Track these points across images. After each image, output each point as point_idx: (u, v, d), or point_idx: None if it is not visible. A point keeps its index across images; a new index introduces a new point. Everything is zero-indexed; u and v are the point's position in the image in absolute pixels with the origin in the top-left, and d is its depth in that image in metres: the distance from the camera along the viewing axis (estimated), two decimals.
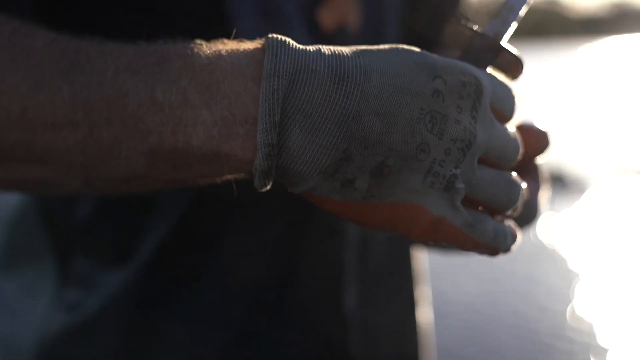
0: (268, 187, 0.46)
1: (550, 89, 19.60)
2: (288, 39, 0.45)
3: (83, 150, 0.45)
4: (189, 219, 0.70)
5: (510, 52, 0.49)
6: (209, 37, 0.50)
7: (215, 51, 0.45)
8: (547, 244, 5.18)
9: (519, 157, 0.51)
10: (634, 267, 4.63)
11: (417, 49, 0.46)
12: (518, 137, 0.51)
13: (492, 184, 0.48)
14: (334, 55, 0.44)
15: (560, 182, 7.12)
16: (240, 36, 0.50)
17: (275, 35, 0.45)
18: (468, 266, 4.59)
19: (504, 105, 0.49)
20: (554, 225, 5.63)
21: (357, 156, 0.43)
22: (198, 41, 0.47)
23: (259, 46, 0.46)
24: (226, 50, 0.46)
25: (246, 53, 0.45)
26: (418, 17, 0.86)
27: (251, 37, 0.50)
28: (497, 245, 0.49)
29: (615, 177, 7.49)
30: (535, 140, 0.56)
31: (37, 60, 0.44)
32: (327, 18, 0.71)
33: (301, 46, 0.45)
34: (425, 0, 0.88)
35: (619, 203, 6.37)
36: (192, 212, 0.70)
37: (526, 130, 0.56)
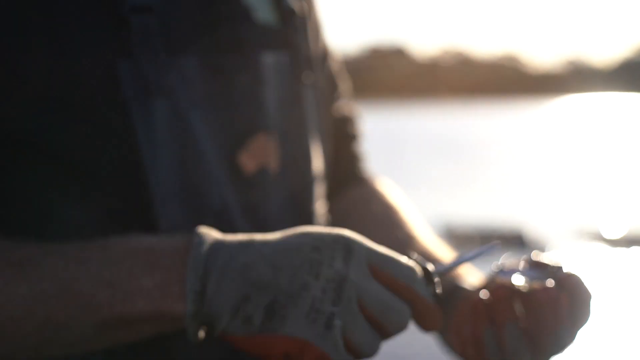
0: (199, 337, 0.59)
1: (511, 148, 20.15)
2: (209, 233, 0.61)
3: (40, 332, 0.58)
4: None
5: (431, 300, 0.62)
6: (122, 186, 0.66)
7: (152, 239, 0.61)
8: None
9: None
10: (594, 328, 4.82)
11: (314, 228, 0.61)
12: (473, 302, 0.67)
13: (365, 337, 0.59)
14: (244, 236, 0.61)
15: (520, 244, 7.33)
16: (155, 186, 0.67)
17: (200, 228, 0.61)
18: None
19: (395, 271, 0.60)
20: None
21: (254, 296, 0.58)
22: (134, 235, 0.62)
23: (188, 234, 0.61)
24: (163, 239, 0.61)
25: (180, 238, 0.61)
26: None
27: (167, 190, 0.67)
28: None
29: (573, 241, 7.74)
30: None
31: None
32: (247, 161, 0.75)
33: (219, 233, 0.61)
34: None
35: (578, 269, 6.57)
36: None
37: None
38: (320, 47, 0.91)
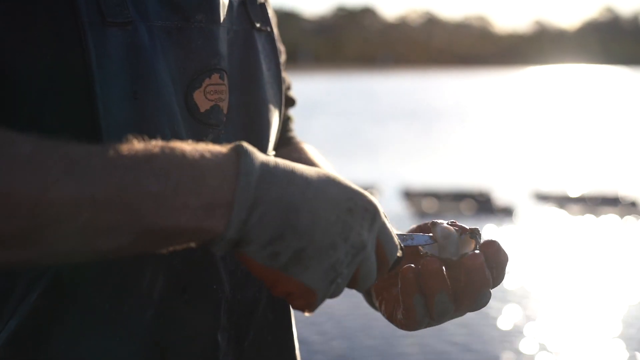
0: (222, 251, 0.61)
1: (479, 113, 20.29)
2: (253, 148, 0.61)
3: (79, 236, 0.56)
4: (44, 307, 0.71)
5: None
6: (72, 113, 0.65)
7: (194, 151, 0.59)
8: None
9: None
10: (559, 291, 5.04)
11: (339, 177, 0.65)
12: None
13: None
14: (288, 167, 0.62)
15: (488, 208, 7.55)
16: (104, 116, 0.66)
17: (244, 144, 0.61)
18: None
19: (389, 250, 0.67)
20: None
21: (288, 238, 0.60)
22: (174, 142, 0.60)
23: (231, 150, 0.61)
24: (204, 151, 0.60)
25: (223, 154, 0.60)
26: None
27: (116, 120, 0.67)
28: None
29: (537, 204, 7.98)
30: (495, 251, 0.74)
31: (38, 162, 0.54)
32: (201, 100, 0.76)
33: (263, 155, 0.62)
34: None
35: (542, 231, 6.77)
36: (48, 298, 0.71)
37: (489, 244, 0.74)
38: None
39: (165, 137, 0.70)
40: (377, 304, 0.81)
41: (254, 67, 0.84)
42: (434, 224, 0.76)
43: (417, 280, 0.74)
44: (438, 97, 28.68)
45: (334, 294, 0.65)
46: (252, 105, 0.83)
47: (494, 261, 0.74)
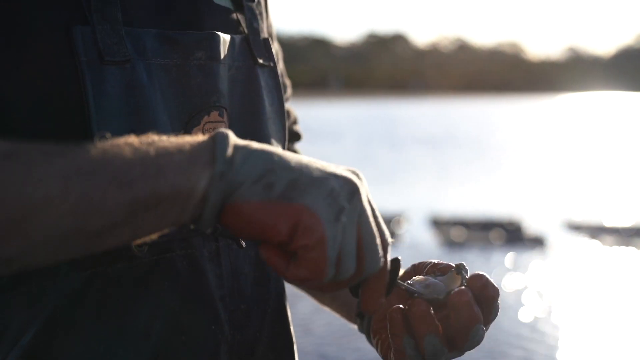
0: (213, 221, 0.59)
1: (513, 142, 20.14)
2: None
3: (73, 214, 0.55)
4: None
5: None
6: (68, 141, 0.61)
7: (172, 136, 0.61)
8: (507, 299, 5.43)
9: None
10: (592, 320, 4.92)
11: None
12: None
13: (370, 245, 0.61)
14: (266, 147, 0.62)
15: (518, 238, 7.37)
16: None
17: (222, 130, 0.61)
18: None
19: (382, 224, 0.65)
20: (514, 282, 5.91)
21: (279, 171, 0.60)
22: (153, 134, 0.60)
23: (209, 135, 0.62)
24: (181, 136, 0.61)
25: (200, 137, 0.61)
26: None
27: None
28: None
29: (569, 234, 7.82)
30: (484, 286, 0.72)
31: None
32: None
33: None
34: None
35: (574, 262, 6.63)
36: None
37: (476, 278, 0.71)
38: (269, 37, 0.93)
39: None
40: (374, 344, 0.79)
41: (256, 103, 0.83)
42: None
43: (405, 322, 0.72)
44: (469, 124, 28.56)
45: (345, 248, 0.59)
46: (253, 141, 0.82)
47: (482, 296, 0.72)
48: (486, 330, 0.73)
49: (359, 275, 0.62)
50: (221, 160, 0.59)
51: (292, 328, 0.88)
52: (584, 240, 7.52)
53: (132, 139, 0.59)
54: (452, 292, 0.71)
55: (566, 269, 6.32)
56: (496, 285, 0.73)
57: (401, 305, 0.73)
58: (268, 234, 0.59)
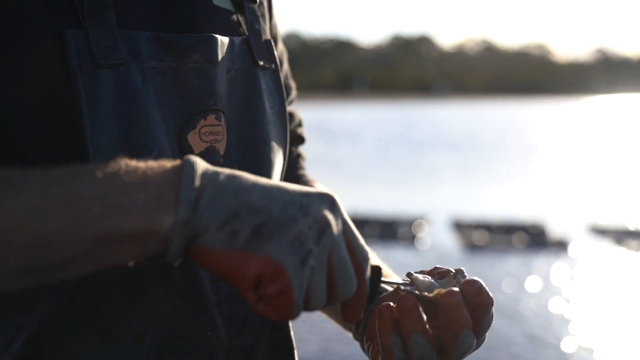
0: (178, 258, 0.59)
1: (538, 144, 19.88)
2: (198, 159, 0.60)
3: (31, 249, 0.56)
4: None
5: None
6: (63, 155, 0.63)
7: (140, 162, 0.60)
8: (530, 302, 5.37)
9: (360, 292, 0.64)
10: (615, 325, 4.84)
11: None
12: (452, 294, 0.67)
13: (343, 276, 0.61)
14: (235, 173, 0.61)
15: (542, 242, 7.26)
16: (95, 158, 0.64)
17: (190, 156, 0.60)
18: None
19: (358, 246, 0.63)
20: (537, 286, 5.85)
21: (244, 215, 0.58)
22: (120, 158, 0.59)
23: (178, 161, 0.61)
24: (150, 163, 0.60)
25: (169, 164, 0.60)
26: None
27: (107, 160, 0.62)
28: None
29: (594, 238, 7.70)
30: (476, 293, 0.69)
31: None
32: (196, 141, 0.74)
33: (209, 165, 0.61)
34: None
35: (598, 266, 6.54)
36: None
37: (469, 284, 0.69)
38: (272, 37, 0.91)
39: None
40: (366, 349, 0.78)
41: (256, 106, 0.82)
42: (410, 274, 0.74)
43: (393, 320, 0.70)
44: (494, 126, 28.31)
45: (313, 287, 0.60)
46: (252, 144, 0.81)
47: (473, 302, 0.69)
48: (480, 341, 0.71)
49: (332, 303, 0.63)
50: (185, 205, 0.58)
51: (292, 333, 0.87)
52: (608, 244, 7.41)
53: (99, 168, 0.59)
54: (442, 292, 0.69)
55: (590, 274, 6.23)
56: (491, 295, 0.70)
57: (391, 303, 0.72)
58: (234, 279, 0.60)
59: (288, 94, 0.96)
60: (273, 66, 0.85)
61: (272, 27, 0.92)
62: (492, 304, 0.71)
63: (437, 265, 0.75)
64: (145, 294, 0.71)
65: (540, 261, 6.56)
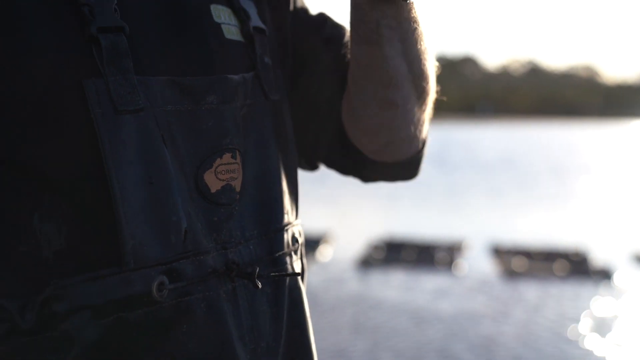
0: None
1: (582, 168, 19.46)
2: None
3: None
4: None
5: None
6: (89, 202, 0.66)
7: None
8: (571, 332, 5.22)
9: None
10: None
11: None
12: None
13: None
14: None
15: (584, 270, 7.05)
16: (120, 203, 0.67)
17: None
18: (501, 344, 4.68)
19: None
20: (578, 316, 5.67)
21: None
22: None
23: None
24: None
25: None
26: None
27: (132, 206, 0.67)
28: None
29: (638, 267, 7.46)
30: None
31: None
32: (212, 181, 0.76)
33: None
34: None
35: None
36: None
37: None
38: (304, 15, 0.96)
39: (180, 219, 0.72)
40: None
41: (268, 138, 0.85)
42: None
43: None
44: (537, 149, 27.88)
45: None
46: (265, 177, 0.84)
47: None
48: None
49: None
50: None
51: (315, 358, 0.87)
52: None
53: None
54: None
55: (634, 304, 6.03)
56: None
57: None
58: None
59: (321, 26, 0.98)
60: (279, 97, 0.88)
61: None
62: None
63: None
64: (169, 333, 0.72)
65: (583, 290, 6.38)
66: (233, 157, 0.78)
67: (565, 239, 8.69)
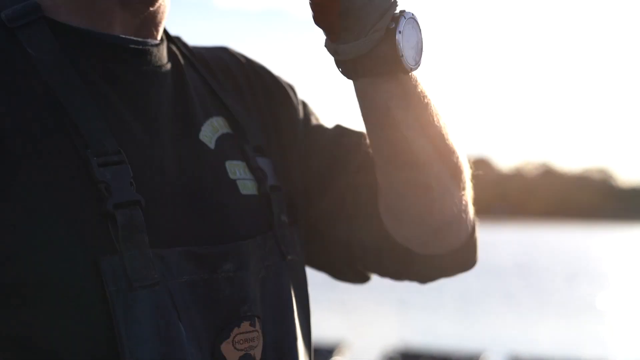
0: None
1: (601, 274, 19.09)
2: None
3: None
4: None
5: None
6: None
7: None
8: None
9: None
10: None
11: None
12: None
13: None
14: None
15: None
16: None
17: None
18: None
19: None
20: None
21: None
22: None
23: None
24: None
25: None
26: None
27: None
28: None
29: None
30: None
31: None
32: (230, 351, 0.74)
33: None
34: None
35: None
36: None
37: None
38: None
39: None
40: None
41: (286, 300, 0.82)
42: None
43: None
44: (553, 253, 27.56)
45: None
46: (283, 342, 0.81)
47: None
48: None
49: None
50: None
51: None
52: None
53: None
54: None
55: None
56: None
57: None
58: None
59: (329, 134, 0.96)
60: (297, 257, 0.86)
61: (307, 123, 0.96)
62: None
63: None
64: None
65: None
66: (252, 324, 0.76)
67: (586, 350, 8.43)
